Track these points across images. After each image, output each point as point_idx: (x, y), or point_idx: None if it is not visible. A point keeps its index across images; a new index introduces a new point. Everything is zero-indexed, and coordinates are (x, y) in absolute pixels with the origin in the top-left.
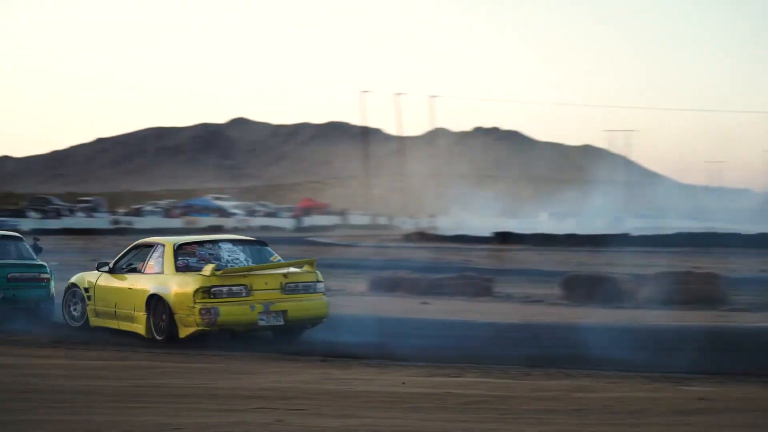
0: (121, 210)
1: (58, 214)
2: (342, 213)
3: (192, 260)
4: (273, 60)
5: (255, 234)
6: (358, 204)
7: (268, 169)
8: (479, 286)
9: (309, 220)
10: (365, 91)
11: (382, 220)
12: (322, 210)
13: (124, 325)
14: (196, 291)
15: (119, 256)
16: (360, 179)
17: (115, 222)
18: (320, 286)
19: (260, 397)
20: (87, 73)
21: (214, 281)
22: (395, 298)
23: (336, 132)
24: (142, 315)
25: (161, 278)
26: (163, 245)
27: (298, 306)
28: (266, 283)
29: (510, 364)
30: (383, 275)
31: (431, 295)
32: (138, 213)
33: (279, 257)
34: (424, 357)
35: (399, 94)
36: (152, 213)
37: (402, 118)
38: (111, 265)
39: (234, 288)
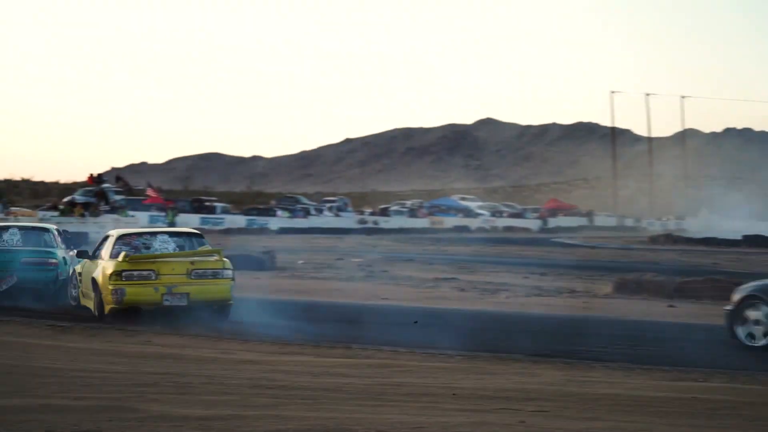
0: (368, 210)
1: (306, 213)
2: (588, 214)
3: (126, 248)
4: (521, 60)
5: (500, 235)
6: (605, 205)
7: (514, 170)
8: (728, 289)
9: (554, 221)
10: (615, 92)
11: (628, 222)
12: (568, 211)
13: (88, 303)
14: (111, 274)
15: (97, 245)
16: (607, 180)
17: (362, 221)
18: (227, 272)
19: (503, 398)
20: (335, 75)
21: (125, 266)
22: (640, 301)
23: (584, 133)
24: (91, 294)
25: (101, 264)
26: (111, 236)
27: (201, 289)
28: (173, 269)
29: (759, 370)
30: (628, 277)
31: (677, 298)
32: (384, 213)
33: (210, 247)
34: (670, 361)
35: (649, 94)
36: (398, 213)
37: (651, 119)
38: (91, 253)
39: (143, 272)
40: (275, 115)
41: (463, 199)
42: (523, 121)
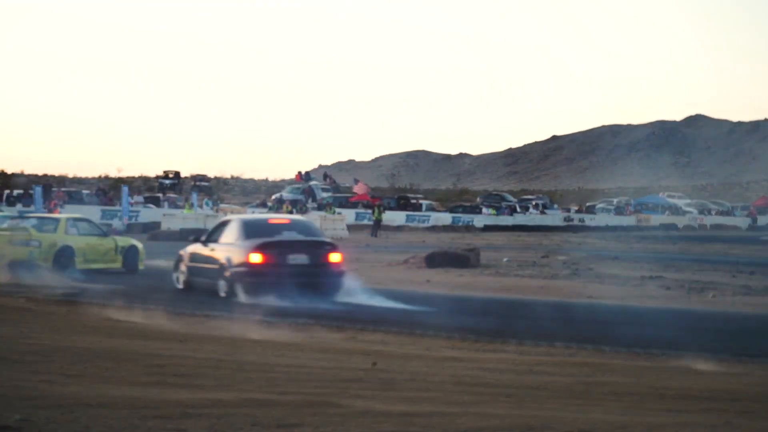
0: (574, 207)
1: (512, 211)
2: None
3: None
4: (732, 53)
5: (707, 233)
6: None
7: (723, 167)
8: None
9: (765, 219)
10: None
11: None
12: None
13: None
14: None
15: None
16: None
17: (567, 219)
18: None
19: (709, 398)
20: (541, 71)
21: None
22: None
23: None
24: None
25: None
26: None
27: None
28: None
29: None
30: None
31: None
32: (590, 210)
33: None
34: None
35: None
36: (604, 210)
37: None
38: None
39: None
40: (482, 113)
41: (671, 196)
42: (735, 117)
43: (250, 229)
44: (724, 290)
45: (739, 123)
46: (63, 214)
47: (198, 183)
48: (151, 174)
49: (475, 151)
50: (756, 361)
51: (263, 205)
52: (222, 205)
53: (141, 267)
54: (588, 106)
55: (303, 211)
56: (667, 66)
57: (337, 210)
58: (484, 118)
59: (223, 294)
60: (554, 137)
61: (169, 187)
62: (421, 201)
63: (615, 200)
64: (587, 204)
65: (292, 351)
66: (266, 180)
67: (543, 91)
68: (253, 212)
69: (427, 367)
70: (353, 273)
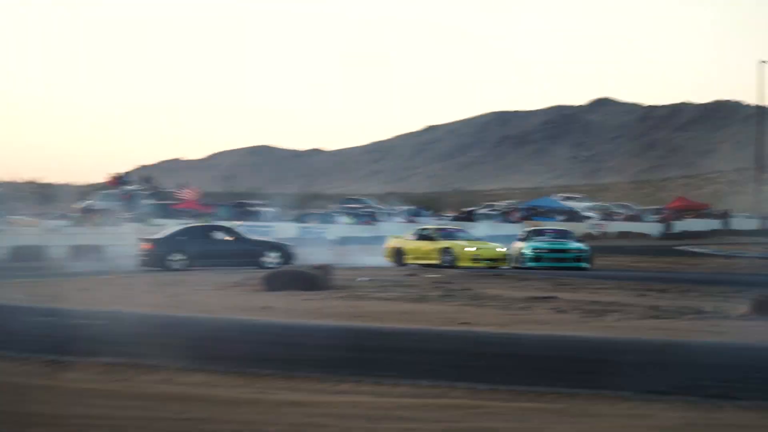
0: (450, 213)
1: (374, 219)
2: (724, 215)
3: None
4: (645, 27)
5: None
6: (747, 204)
7: (633, 162)
8: None
9: (681, 225)
10: (765, 61)
11: None
12: (699, 212)
13: None
14: None
15: None
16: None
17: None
18: None
19: None
20: (414, 50)
21: None
22: None
23: (723, 114)
24: None
25: None
26: None
27: None
28: None
29: None
30: None
31: None
32: (470, 217)
33: None
34: None
35: None
36: (487, 217)
37: None
38: None
39: None
40: (340, 100)
41: (568, 198)
42: (647, 101)
43: None
44: (628, 312)
45: (653, 108)
46: None
47: None
48: None
49: (331, 146)
50: (665, 400)
51: (64, 216)
52: (14, 218)
53: None
54: (471, 90)
55: (114, 222)
56: (567, 41)
57: (158, 221)
58: (342, 107)
59: None
60: (430, 128)
61: None
62: (261, 208)
63: (500, 204)
64: (466, 209)
65: (89, 398)
66: (70, 185)
67: (416, 73)
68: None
69: (260, 414)
70: (166, 297)
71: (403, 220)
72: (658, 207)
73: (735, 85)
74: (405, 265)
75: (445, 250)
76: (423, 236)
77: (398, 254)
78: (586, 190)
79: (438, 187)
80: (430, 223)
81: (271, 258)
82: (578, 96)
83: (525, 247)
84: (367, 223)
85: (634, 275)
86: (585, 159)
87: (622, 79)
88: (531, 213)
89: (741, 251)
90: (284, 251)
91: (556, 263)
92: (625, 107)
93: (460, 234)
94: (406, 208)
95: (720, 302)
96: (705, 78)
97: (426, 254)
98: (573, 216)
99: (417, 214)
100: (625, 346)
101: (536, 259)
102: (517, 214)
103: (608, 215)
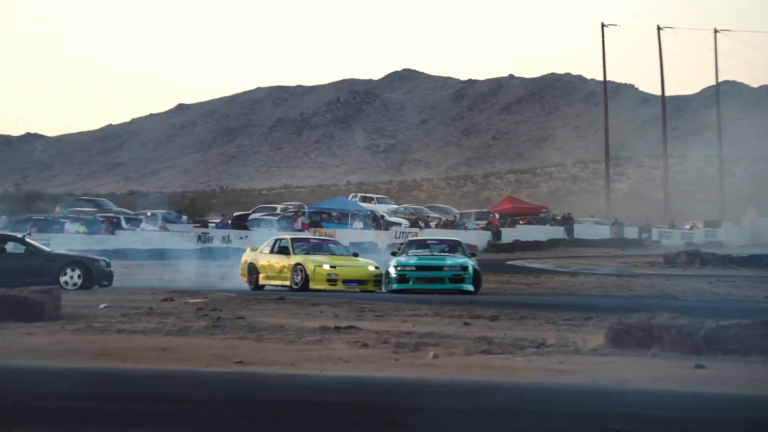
0: (214, 220)
1: (113, 227)
2: (566, 221)
3: None
4: None
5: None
6: (594, 206)
7: (448, 153)
8: None
9: (512, 233)
10: (608, 25)
11: (630, 233)
12: (534, 216)
13: None
14: None
15: None
16: (597, 167)
17: (202, 239)
18: None
19: None
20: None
21: None
22: (648, 359)
23: (560, 91)
24: None
25: None
26: None
27: None
28: None
29: None
30: (629, 321)
31: (709, 353)
32: (242, 224)
33: None
34: None
35: (662, 28)
36: (264, 222)
37: (667, 68)
38: None
39: None
40: (68, 83)
41: (367, 199)
42: (462, 75)
43: None
44: (450, 346)
45: (470, 83)
46: None
47: None
48: None
49: (51, 131)
50: None
51: None
52: None
53: None
54: (235, 61)
55: None
56: (362, 9)
57: None
58: (65, 83)
59: None
60: (181, 106)
61: None
62: None
63: (279, 207)
64: (237, 213)
65: None
66: None
67: (165, 42)
68: None
69: None
70: None
71: (157, 228)
72: (482, 210)
73: (574, 56)
74: (262, 287)
75: (296, 268)
76: (278, 249)
77: (252, 272)
78: (389, 189)
79: (199, 184)
80: (287, 233)
81: (72, 277)
82: (375, 68)
83: (391, 264)
84: (107, 231)
85: (455, 299)
86: (386, 148)
87: (431, 48)
88: (320, 219)
89: (590, 267)
90: (88, 267)
91: (427, 285)
92: (435, 82)
93: (330, 247)
94: (162, 212)
95: (566, 332)
96: (537, 47)
97: (278, 273)
98: (373, 222)
99: (172, 220)
100: (442, 390)
101: (401, 279)
102: (301, 221)
103: (419, 221)
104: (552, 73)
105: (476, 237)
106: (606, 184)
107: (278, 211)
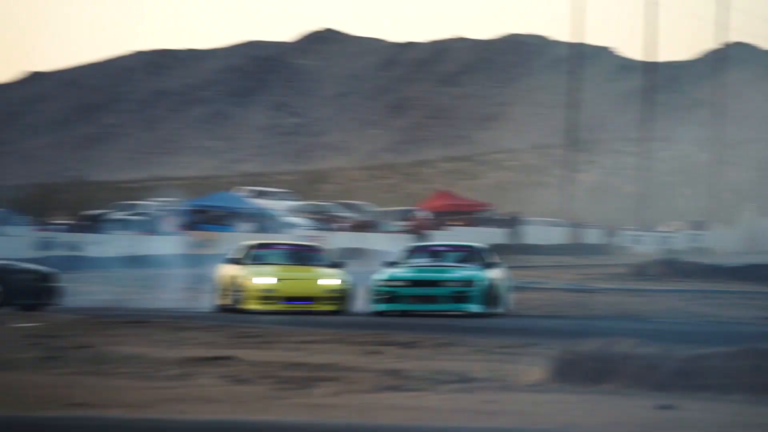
0: (60, 220)
1: None
2: (513, 222)
3: None
4: None
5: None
6: (548, 204)
7: (369, 134)
8: None
9: (442, 238)
10: None
11: (591, 236)
12: (474, 216)
13: None
14: None
15: None
16: (558, 153)
17: (44, 245)
18: None
19: None
20: None
21: None
22: (602, 397)
23: (514, 57)
24: None
25: None
26: None
27: None
28: None
29: None
30: (580, 350)
31: (679, 390)
32: (95, 225)
33: None
34: None
35: None
36: (125, 224)
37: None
38: None
39: None
40: None
41: (262, 194)
42: (397, 37)
43: None
44: (351, 381)
45: (402, 47)
46: None
47: None
48: None
49: None
50: None
51: None
52: None
53: None
54: (102, 22)
55: None
56: None
57: None
58: None
59: None
60: (35, 77)
61: None
62: None
63: (150, 204)
64: (89, 212)
65: None
66: None
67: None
68: None
69: None
70: None
71: None
72: (407, 208)
73: (538, 13)
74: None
75: (234, 282)
76: (237, 258)
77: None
78: (291, 181)
79: (46, 174)
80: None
81: None
82: (286, 29)
83: (377, 278)
84: None
85: (364, 320)
86: (291, 130)
87: (358, 3)
88: (199, 219)
89: (539, 280)
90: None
91: (420, 305)
92: (361, 45)
93: (302, 255)
94: None
95: (499, 363)
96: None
97: (223, 289)
98: (268, 222)
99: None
100: None
101: (389, 298)
102: (174, 221)
103: (327, 221)
104: (511, 35)
105: (393, 241)
106: (567, 175)
107: (143, 210)
